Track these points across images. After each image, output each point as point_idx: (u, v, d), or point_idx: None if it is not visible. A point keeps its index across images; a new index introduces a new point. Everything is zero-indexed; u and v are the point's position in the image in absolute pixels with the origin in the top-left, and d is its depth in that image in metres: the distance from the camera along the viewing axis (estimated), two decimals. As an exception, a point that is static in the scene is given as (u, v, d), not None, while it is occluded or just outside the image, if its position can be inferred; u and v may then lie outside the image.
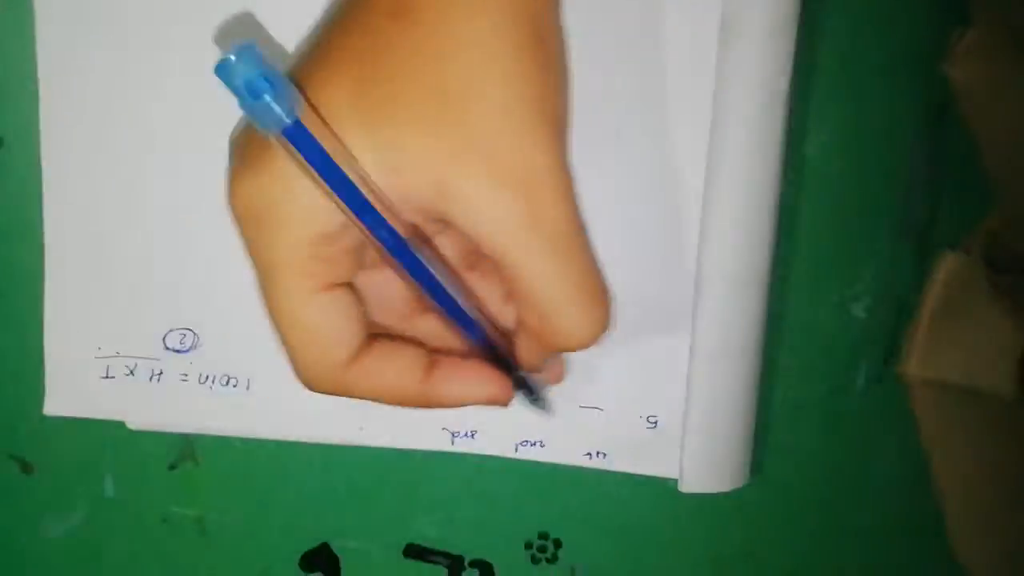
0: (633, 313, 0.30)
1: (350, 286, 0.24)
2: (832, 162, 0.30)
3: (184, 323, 0.31)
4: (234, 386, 0.31)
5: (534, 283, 0.23)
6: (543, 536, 0.32)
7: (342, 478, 0.32)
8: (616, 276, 0.29)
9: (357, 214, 0.22)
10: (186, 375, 0.31)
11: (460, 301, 0.25)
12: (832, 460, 0.32)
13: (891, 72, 0.30)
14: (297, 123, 0.21)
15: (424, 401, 0.26)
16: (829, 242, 0.31)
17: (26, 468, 0.32)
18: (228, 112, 0.23)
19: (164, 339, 0.31)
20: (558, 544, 0.32)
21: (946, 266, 0.29)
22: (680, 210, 0.29)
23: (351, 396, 0.25)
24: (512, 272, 0.23)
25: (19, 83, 0.30)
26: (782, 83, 0.28)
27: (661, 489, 0.31)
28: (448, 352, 0.26)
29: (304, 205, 0.22)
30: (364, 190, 0.22)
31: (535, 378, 0.28)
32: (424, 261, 0.23)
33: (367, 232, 0.23)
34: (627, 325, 0.30)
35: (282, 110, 0.21)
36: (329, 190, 0.22)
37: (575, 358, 0.30)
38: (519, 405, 0.29)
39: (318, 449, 0.32)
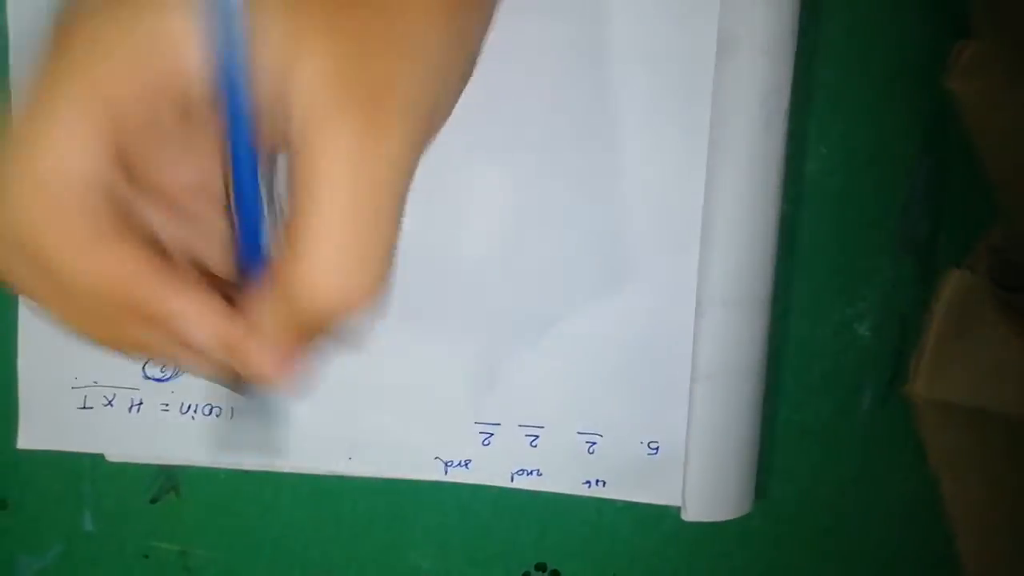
0: (632, 336, 0.29)
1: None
2: (832, 179, 0.30)
3: (165, 351, 0.30)
4: (217, 415, 0.30)
5: (313, 208, 0.20)
6: (541, 568, 0.32)
7: (331, 510, 0.32)
8: (614, 299, 0.29)
9: (226, 73, 0.20)
10: (167, 404, 0.30)
11: (262, 217, 0.22)
12: (838, 484, 0.31)
13: (891, 86, 0.30)
14: None
15: (140, 307, 0.21)
16: (830, 260, 0.30)
17: (0, 504, 0.31)
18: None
19: (143, 368, 0.30)
20: None
21: (951, 285, 0.28)
22: (679, 231, 0.29)
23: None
24: (299, 184, 0.20)
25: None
26: (781, 99, 0.28)
27: (663, 517, 0.31)
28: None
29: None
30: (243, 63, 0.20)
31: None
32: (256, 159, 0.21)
33: (220, 90, 0.20)
34: (626, 348, 0.29)
35: None
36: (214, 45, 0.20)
37: (570, 385, 0.29)
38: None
39: (305, 480, 0.31)
